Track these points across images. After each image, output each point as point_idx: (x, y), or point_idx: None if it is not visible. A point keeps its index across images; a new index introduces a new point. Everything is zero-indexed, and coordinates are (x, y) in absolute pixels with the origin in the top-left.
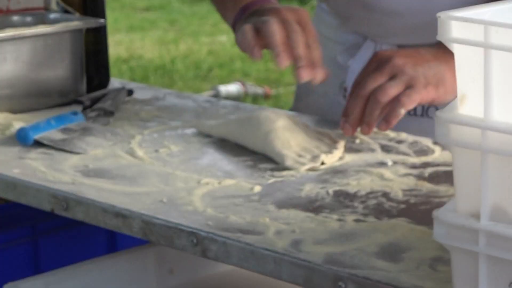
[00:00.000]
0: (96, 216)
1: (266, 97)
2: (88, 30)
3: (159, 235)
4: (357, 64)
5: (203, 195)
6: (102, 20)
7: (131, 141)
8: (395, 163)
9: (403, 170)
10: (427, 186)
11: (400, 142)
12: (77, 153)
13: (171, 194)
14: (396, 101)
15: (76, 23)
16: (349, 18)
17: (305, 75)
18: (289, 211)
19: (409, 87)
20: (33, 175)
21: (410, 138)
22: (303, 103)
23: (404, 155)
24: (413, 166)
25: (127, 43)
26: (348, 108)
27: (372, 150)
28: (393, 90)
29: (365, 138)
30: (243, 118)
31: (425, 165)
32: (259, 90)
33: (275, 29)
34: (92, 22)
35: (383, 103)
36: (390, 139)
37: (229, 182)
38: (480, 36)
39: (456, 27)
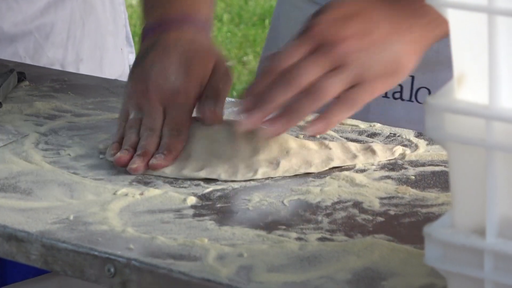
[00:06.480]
0: None
1: None
2: None
3: (65, 263)
4: None
5: (120, 210)
6: None
7: (24, 141)
8: (368, 163)
9: (378, 172)
10: (410, 193)
11: (373, 135)
12: None
13: (79, 210)
14: (333, 104)
15: None
16: None
17: None
18: (233, 229)
19: (354, 84)
20: None
21: (386, 129)
22: None
23: None
24: (392, 167)
25: None
26: (264, 92)
27: None
28: (334, 88)
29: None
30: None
31: (407, 164)
32: None
33: None
34: None
35: (321, 103)
36: (361, 132)
37: (154, 192)
38: None
39: None
